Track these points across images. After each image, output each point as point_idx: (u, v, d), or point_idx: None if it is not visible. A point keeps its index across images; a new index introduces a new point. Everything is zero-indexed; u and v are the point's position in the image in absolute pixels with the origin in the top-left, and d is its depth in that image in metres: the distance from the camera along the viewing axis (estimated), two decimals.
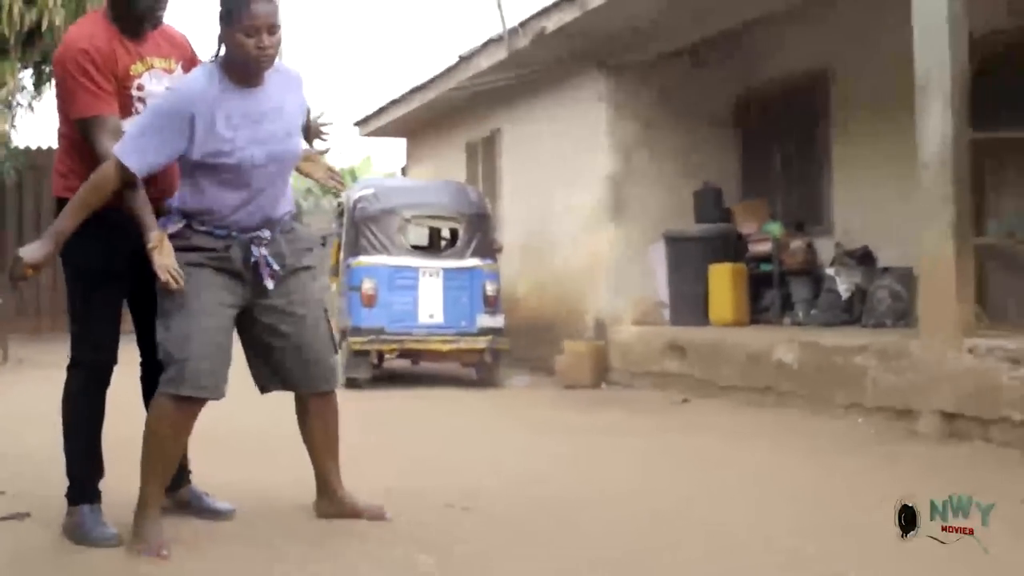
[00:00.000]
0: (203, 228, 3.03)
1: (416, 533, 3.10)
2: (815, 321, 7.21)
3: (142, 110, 3.07)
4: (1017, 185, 6.31)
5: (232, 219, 3.04)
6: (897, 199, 6.60)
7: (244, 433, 5.04)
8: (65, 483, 3.18)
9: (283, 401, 3.40)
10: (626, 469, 4.34)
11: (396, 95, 11.73)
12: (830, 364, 5.74)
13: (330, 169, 3.44)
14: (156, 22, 3.20)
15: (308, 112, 3.32)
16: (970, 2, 5.01)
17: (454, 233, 8.46)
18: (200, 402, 3.00)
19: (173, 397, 2.95)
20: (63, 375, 3.20)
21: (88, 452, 3.18)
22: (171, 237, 2.98)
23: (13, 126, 9.79)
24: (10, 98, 9.24)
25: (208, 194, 3.01)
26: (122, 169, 2.89)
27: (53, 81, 8.33)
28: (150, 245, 2.91)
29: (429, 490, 3.72)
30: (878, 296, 6.77)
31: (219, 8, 2.93)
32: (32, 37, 8.96)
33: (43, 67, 9.68)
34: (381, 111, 12.35)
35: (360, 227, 7.94)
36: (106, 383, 3.20)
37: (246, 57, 2.90)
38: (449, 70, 10.15)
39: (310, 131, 3.39)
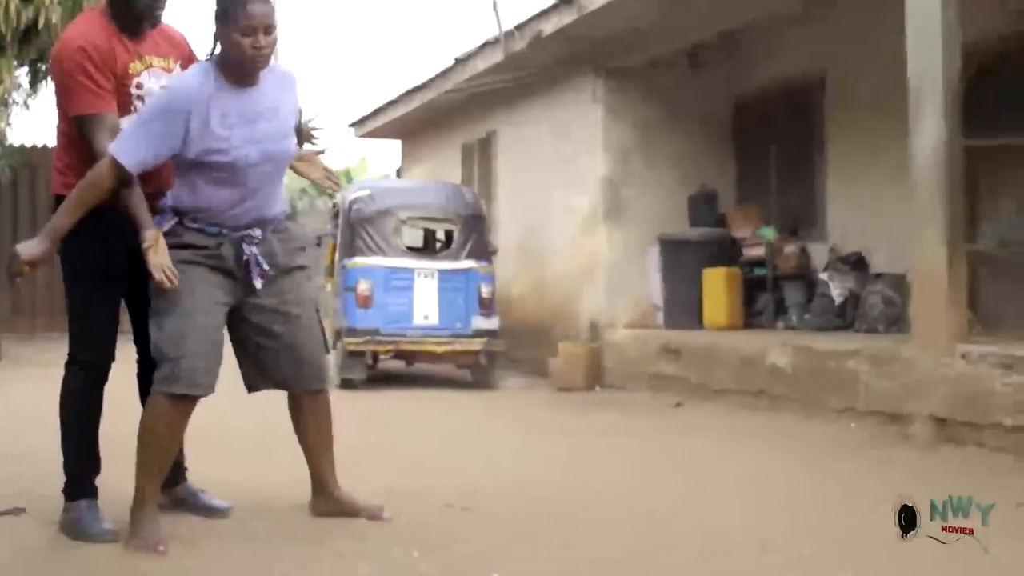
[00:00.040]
0: (195, 226, 3.05)
1: (416, 533, 3.11)
2: (808, 326, 7.25)
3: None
4: (1011, 188, 6.35)
5: (225, 217, 3.06)
6: (891, 205, 6.63)
7: (238, 433, 5.04)
8: (62, 480, 3.19)
9: (276, 400, 3.41)
10: (622, 471, 4.36)
11: (392, 96, 11.75)
12: (823, 368, 5.77)
13: (326, 169, 3.46)
14: (155, 21, 3.21)
15: (300, 114, 3.34)
16: (965, 8, 5.05)
17: (449, 235, 8.47)
18: (195, 399, 3.02)
19: (168, 395, 2.97)
20: (59, 374, 3.21)
21: (85, 449, 3.19)
22: (163, 235, 2.99)
23: (8, 124, 9.77)
24: (6, 96, 9.22)
25: (202, 192, 3.03)
26: (117, 167, 2.91)
27: (49, 79, 8.29)
28: (145, 244, 2.92)
29: (428, 490, 3.73)
30: (871, 301, 6.81)
31: (216, 7, 2.95)
32: (28, 35, 8.93)
33: (39, 65, 9.65)
34: (377, 112, 12.36)
35: (356, 228, 7.94)
36: (103, 381, 3.21)
37: (242, 57, 2.92)
38: (445, 72, 10.17)
39: (301, 134, 3.41)
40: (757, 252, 7.81)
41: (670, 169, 8.49)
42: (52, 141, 12.85)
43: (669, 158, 8.51)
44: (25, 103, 10.04)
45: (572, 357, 7.97)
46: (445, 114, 11.18)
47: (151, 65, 3.17)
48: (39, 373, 7.75)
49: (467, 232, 8.12)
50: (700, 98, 8.56)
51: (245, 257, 3.07)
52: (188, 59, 3.30)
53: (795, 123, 8.12)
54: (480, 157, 10.68)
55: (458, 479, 3.98)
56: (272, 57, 3.02)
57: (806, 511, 3.53)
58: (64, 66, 3.05)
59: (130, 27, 3.13)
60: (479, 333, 7.84)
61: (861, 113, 7.38)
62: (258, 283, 3.09)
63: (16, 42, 8.88)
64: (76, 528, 3.06)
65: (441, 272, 7.88)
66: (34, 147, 12.54)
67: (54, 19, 8.65)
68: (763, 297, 7.79)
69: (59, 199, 3.09)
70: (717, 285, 7.68)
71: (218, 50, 2.98)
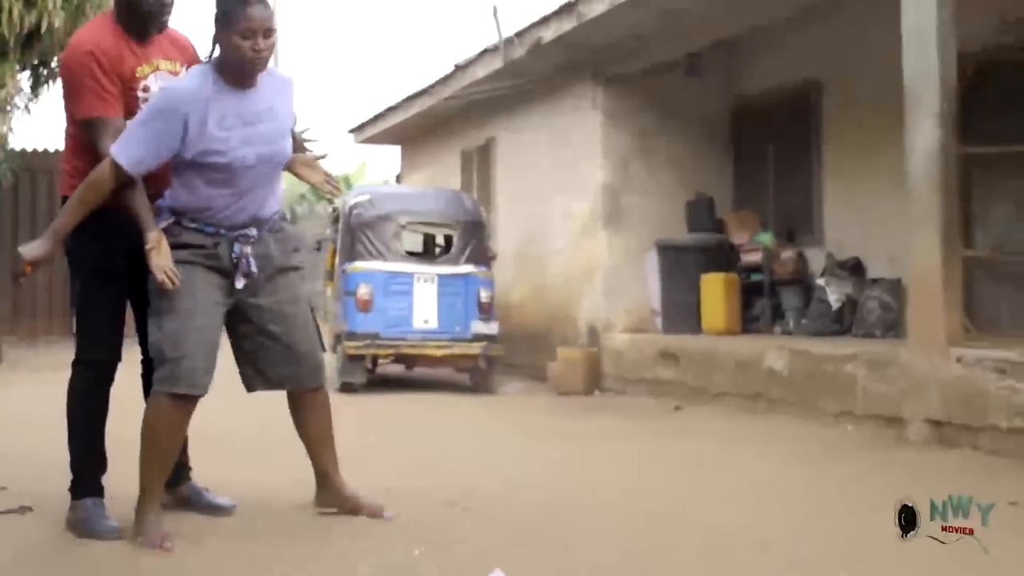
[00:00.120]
0: (192, 225, 3.09)
1: (416, 533, 3.13)
2: (805, 330, 7.28)
3: None
4: (1005, 194, 6.39)
5: (221, 217, 3.09)
6: (887, 210, 6.67)
7: (238, 433, 5.07)
8: (67, 480, 3.22)
9: (276, 400, 3.43)
10: (621, 473, 4.38)
11: (392, 103, 11.77)
12: (820, 372, 5.80)
13: (326, 174, 3.49)
14: (162, 26, 3.26)
15: (295, 121, 3.38)
16: (962, 17, 5.09)
17: (449, 240, 8.51)
18: (195, 399, 3.05)
19: (169, 395, 3.00)
20: (60, 377, 3.25)
21: (91, 448, 3.22)
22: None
23: (10, 128, 9.79)
24: (8, 100, 9.24)
25: (199, 193, 3.07)
26: (117, 168, 2.95)
27: (51, 83, 8.32)
28: (148, 246, 2.96)
29: (428, 490, 3.75)
30: (868, 306, 6.85)
31: (216, 11, 3.00)
32: (31, 39, 8.96)
33: (41, 69, 9.68)
34: (377, 118, 12.39)
35: (356, 233, 7.98)
36: (109, 381, 3.25)
37: (241, 59, 2.96)
38: (445, 79, 10.20)
39: (295, 144, 3.44)
40: (754, 257, 7.86)
41: (669, 175, 8.53)
42: (53, 145, 12.87)
43: (668, 164, 8.54)
44: (27, 107, 10.07)
45: (571, 362, 8.00)
46: (445, 120, 11.21)
47: (158, 68, 3.22)
48: (40, 376, 7.79)
49: (466, 237, 8.16)
50: (698, 105, 8.60)
51: (235, 256, 3.10)
52: (194, 63, 3.33)
53: (791, 129, 8.15)
54: (479, 163, 10.71)
55: (458, 480, 4.00)
56: (271, 61, 3.07)
57: (805, 512, 3.55)
58: (72, 69, 3.10)
59: (137, 31, 3.19)
60: (478, 337, 7.87)
61: (859, 118, 7.41)
62: (239, 283, 3.12)
63: (19, 46, 8.91)
64: (82, 526, 3.09)
65: (441, 277, 7.91)
66: (35, 151, 12.56)
67: (56, 23, 8.68)
68: (760, 302, 7.83)
69: (66, 201, 3.12)
70: (715, 290, 7.73)
71: (217, 53, 3.03)
